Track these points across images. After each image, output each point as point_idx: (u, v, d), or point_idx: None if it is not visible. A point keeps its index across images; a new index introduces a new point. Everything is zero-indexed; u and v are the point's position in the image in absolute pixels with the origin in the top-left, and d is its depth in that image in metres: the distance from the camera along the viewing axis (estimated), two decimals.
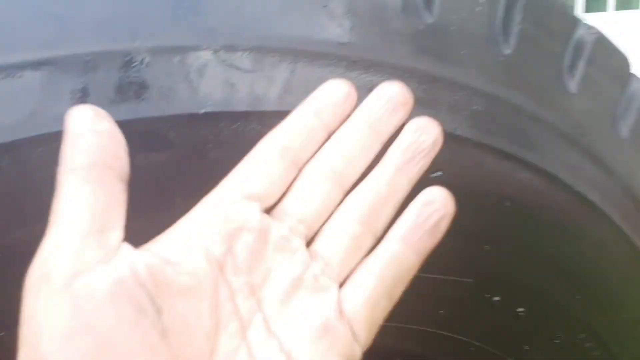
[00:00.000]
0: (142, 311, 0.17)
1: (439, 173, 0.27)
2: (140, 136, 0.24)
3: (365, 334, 0.21)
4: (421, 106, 0.26)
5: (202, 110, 0.25)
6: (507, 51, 0.29)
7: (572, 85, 0.31)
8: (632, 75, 0.34)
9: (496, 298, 0.32)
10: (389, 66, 0.27)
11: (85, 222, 0.18)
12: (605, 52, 0.32)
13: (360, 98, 0.27)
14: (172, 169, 0.25)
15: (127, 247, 0.19)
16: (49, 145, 0.24)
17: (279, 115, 0.26)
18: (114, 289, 0.17)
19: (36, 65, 0.22)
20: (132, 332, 0.17)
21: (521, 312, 0.32)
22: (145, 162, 0.24)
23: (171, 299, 0.18)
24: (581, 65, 0.31)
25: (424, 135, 0.24)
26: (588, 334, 0.33)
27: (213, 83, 0.25)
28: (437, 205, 0.22)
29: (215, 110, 0.25)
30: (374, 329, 0.22)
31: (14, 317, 0.23)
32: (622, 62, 0.33)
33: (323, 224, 0.23)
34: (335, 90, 0.24)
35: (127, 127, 0.24)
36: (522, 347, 0.34)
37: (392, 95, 0.24)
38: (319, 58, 0.26)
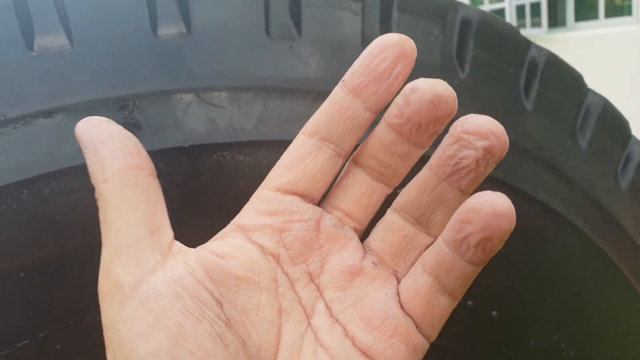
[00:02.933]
0: (205, 304, 0.19)
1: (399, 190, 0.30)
2: None
3: (428, 329, 0.21)
4: None
5: (188, 144, 0.29)
6: (462, 76, 0.32)
7: (528, 104, 0.34)
8: (588, 90, 0.36)
9: (470, 302, 0.34)
10: None
11: (136, 227, 0.19)
12: (557, 71, 0.35)
13: None
14: (164, 195, 0.29)
15: (179, 246, 0.20)
16: (60, 179, 0.28)
17: (255, 145, 0.30)
18: (176, 287, 0.19)
19: (47, 113, 0.27)
20: (200, 323, 0.18)
21: (495, 315, 0.34)
22: None
23: (230, 292, 0.20)
24: (535, 85, 0.34)
25: (466, 150, 0.19)
26: (562, 335, 0.35)
27: (196, 120, 0.29)
28: (476, 227, 0.18)
29: (199, 143, 0.29)
30: (437, 325, 0.21)
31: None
32: (574, 79, 0.35)
33: (372, 219, 0.22)
34: (374, 58, 0.20)
35: None
36: (500, 349, 0.36)
37: (412, 114, 0.20)
38: (288, 93, 0.30)
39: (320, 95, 0.30)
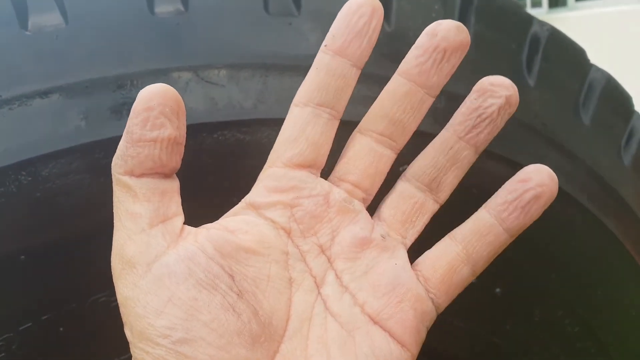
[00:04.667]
0: (217, 277, 0.20)
1: (405, 167, 0.30)
2: None
3: (440, 295, 0.22)
4: None
5: (187, 123, 0.28)
6: None
7: (531, 79, 0.33)
8: (591, 65, 0.36)
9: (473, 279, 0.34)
10: None
11: (149, 215, 0.20)
12: (560, 46, 0.34)
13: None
14: None
15: (189, 229, 0.21)
16: (58, 160, 0.28)
17: (255, 123, 0.30)
18: (188, 264, 0.19)
19: (43, 94, 0.27)
20: (213, 296, 0.19)
21: (499, 292, 0.34)
22: None
23: (240, 264, 0.20)
24: (537, 60, 0.33)
25: (490, 99, 0.22)
26: (566, 310, 0.35)
27: (195, 98, 0.28)
28: (532, 183, 0.21)
29: (198, 122, 0.28)
30: (451, 293, 0.22)
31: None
32: (577, 54, 0.35)
33: (379, 188, 0.23)
34: (352, 16, 0.21)
35: None
36: (504, 325, 0.36)
37: (440, 41, 0.21)
38: (288, 70, 0.29)
39: None
